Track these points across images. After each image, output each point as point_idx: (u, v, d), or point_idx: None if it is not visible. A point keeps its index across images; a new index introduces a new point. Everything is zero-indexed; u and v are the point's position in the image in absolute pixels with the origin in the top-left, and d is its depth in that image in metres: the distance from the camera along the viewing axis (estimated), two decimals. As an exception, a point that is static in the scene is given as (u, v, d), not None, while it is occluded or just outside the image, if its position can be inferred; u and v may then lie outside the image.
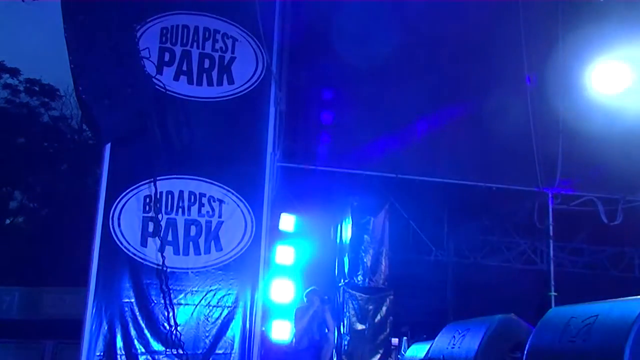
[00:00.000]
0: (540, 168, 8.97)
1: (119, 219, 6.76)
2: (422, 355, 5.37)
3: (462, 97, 8.61)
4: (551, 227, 9.15)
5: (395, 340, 7.76)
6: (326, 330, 7.47)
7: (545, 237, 9.29)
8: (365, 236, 8.62)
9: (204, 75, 7.33)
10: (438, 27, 8.42)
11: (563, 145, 8.90)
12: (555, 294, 8.74)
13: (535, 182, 9.07)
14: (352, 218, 8.71)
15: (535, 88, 8.86)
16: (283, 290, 7.74)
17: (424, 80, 8.38)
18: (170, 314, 6.52)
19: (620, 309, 3.65)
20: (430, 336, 5.78)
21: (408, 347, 6.41)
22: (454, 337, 5.17)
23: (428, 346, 5.60)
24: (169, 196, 6.93)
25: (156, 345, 6.49)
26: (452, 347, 5.09)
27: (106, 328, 6.47)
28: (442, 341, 5.35)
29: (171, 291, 6.62)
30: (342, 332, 8.05)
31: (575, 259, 9.66)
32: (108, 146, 6.92)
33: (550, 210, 9.22)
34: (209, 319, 6.68)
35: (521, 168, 9.00)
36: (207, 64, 7.36)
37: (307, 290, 7.68)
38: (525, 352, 4.14)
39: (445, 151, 8.64)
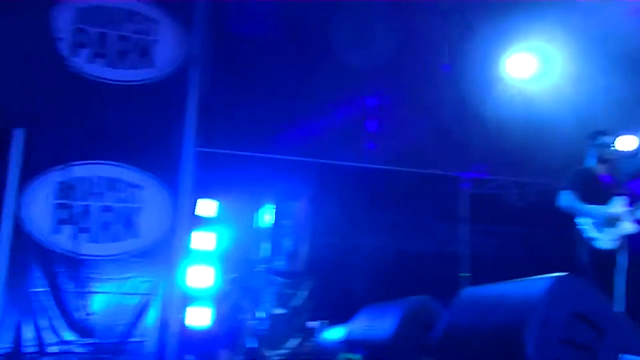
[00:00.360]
0: (455, 152, 9.22)
1: (29, 206, 6.53)
2: (339, 338, 5.43)
3: (383, 84, 8.72)
4: (465, 210, 9.43)
5: (313, 324, 7.81)
6: (246, 316, 7.46)
7: (460, 220, 9.55)
8: (286, 221, 8.62)
9: (122, 57, 7.12)
10: (358, 12, 8.48)
11: (478, 130, 9.16)
12: (468, 274, 9.01)
13: (451, 166, 9.32)
14: (273, 203, 8.69)
15: (450, 75, 9.07)
16: (203, 277, 7.66)
17: (346, 64, 8.44)
18: (84, 302, 6.36)
19: (528, 287, 3.78)
20: (349, 320, 5.84)
21: (326, 331, 6.48)
22: (371, 319, 5.25)
23: (345, 329, 5.66)
24: (83, 182, 6.73)
25: (69, 335, 6.32)
26: (369, 329, 5.17)
27: (17, 319, 6.26)
28: (359, 324, 5.43)
29: (85, 279, 6.46)
30: (261, 316, 8.04)
31: (488, 240, 9.96)
32: (19, 131, 6.65)
33: (465, 193, 9.51)
34: (123, 307, 6.55)
35: (438, 153, 9.21)
36: (125, 46, 7.15)
37: (227, 276, 7.63)
38: (438, 331, 4.24)
39: (368, 136, 8.74)
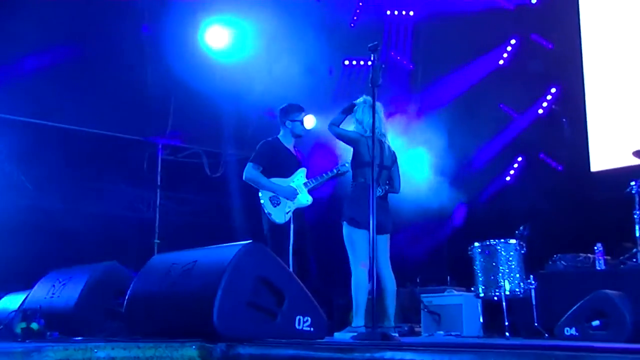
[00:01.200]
0: (152, 118, 9.12)
1: None
2: (16, 306, 5.05)
3: (77, 37, 8.25)
4: (159, 177, 9.41)
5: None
6: None
7: (153, 186, 9.51)
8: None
9: None
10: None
11: (175, 97, 9.16)
12: (159, 241, 9.04)
13: (146, 131, 9.21)
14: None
15: (150, 38, 8.93)
16: None
17: (35, 12, 7.84)
18: None
19: (217, 254, 3.91)
20: (27, 286, 5.46)
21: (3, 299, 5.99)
22: (54, 285, 4.97)
23: (24, 296, 5.29)
24: None
25: None
26: (52, 297, 4.90)
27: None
28: (41, 290, 5.11)
29: None
30: None
31: (180, 208, 10.07)
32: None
33: (159, 160, 9.47)
34: None
35: (133, 117, 9.03)
36: None
37: None
38: (127, 297, 4.18)
39: (54, 93, 8.22)
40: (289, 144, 6.34)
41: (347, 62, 10.26)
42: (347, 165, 6.15)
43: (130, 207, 9.61)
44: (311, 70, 9.07)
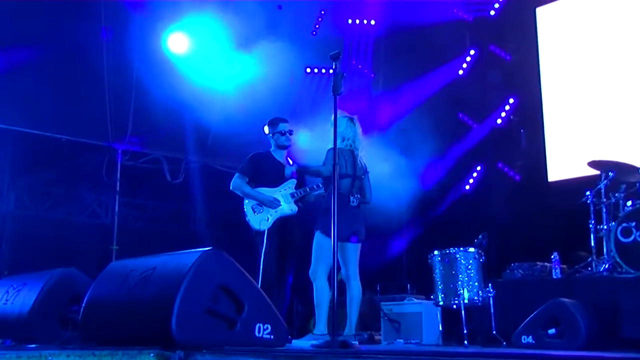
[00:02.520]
0: (112, 123, 8.99)
1: None
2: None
3: (35, 39, 8.10)
4: (118, 183, 9.28)
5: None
6: None
7: (112, 192, 9.38)
8: None
9: None
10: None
11: (135, 102, 9.05)
12: (117, 248, 8.91)
13: (106, 136, 9.07)
14: None
15: (111, 41, 8.82)
16: None
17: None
18: None
19: (176, 261, 3.85)
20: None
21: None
22: (8, 292, 4.85)
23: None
24: None
25: None
26: (5, 303, 4.78)
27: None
28: (-6, 297, 4.97)
29: None
30: None
31: (139, 214, 9.96)
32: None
33: (119, 165, 9.35)
34: None
35: (92, 121, 8.90)
36: None
37: None
38: (83, 304, 4.10)
39: (10, 95, 8.06)
40: (280, 156, 6.40)
41: (308, 70, 10.28)
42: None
43: (89, 212, 9.46)
44: (273, 77, 9.07)
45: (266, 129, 6.45)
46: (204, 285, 3.63)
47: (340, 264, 5.79)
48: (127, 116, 9.08)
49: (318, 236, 5.79)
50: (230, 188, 6.31)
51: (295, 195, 6.27)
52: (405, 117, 9.65)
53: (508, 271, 6.79)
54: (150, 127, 9.36)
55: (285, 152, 6.44)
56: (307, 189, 6.29)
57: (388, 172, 8.39)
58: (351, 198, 5.86)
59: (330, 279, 5.47)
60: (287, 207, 6.22)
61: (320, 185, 6.16)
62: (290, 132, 6.41)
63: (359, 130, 6.11)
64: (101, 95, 8.74)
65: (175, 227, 9.83)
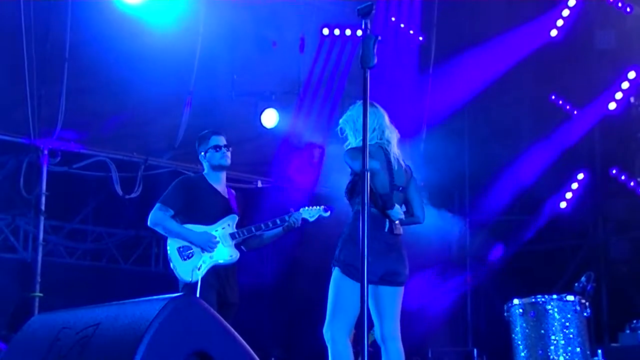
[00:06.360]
0: (34, 110, 9.04)
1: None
2: None
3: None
4: (43, 198, 9.31)
5: None
6: None
7: (34, 213, 9.42)
8: None
9: None
10: None
11: (68, 78, 9.09)
12: (42, 295, 8.94)
13: (25, 129, 9.11)
14: None
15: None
16: None
17: None
18: None
19: (130, 314, 3.85)
20: None
21: None
22: None
23: None
24: None
25: None
26: None
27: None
28: None
29: None
30: None
31: (74, 244, 10.00)
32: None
33: (45, 172, 9.37)
34: None
35: (5, 108, 8.99)
36: None
37: None
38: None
39: None
40: (216, 181, 6.45)
41: (326, 31, 10.29)
42: (303, 212, 6.39)
43: (0, 243, 9.53)
44: (273, 42, 9.14)
45: (199, 145, 6.50)
46: (172, 351, 3.64)
47: (372, 319, 5.75)
48: (57, 100, 9.13)
49: (337, 276, 5.68)
50: (149, 223, 6.35)
51: (237, 236, 6.31)
52: (469, 100, 9.65)
53: (628, 332, 6.76)
54: (91, 117, 9.41)
55: (223, 175, 6.50)
56: (253, 229, 6.32)
57: (441, 181, 8.38)
58: (387, 221, 5.63)
59: (356, 339, 5.44)
60: (226, 252, 6.26)
61: (271, 225, 6.25)
62: (227, 147, 6.44)
63: (386, 116, 5.95)
64: (18, 71, 8.81)
65: (128, 263, 9.87)
